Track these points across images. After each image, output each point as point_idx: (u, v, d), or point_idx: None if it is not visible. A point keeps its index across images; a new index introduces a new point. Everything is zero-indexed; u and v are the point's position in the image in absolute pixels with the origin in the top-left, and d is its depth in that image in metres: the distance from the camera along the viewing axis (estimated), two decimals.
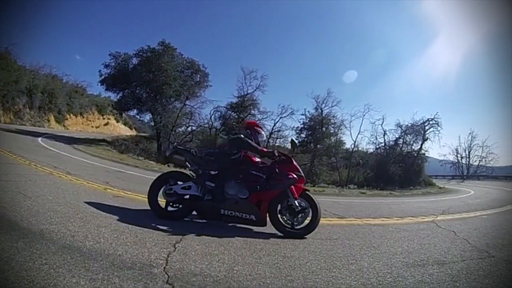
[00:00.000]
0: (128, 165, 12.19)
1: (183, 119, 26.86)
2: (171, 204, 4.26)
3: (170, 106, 25.68)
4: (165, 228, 3.60)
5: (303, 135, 27.58)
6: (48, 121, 33.11)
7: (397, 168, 26.20)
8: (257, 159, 4.54)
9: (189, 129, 27.35)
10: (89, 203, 4.32)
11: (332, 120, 27.82)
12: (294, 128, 27.56)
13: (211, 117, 26.48)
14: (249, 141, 4.44)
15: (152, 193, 4.25)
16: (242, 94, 26.29)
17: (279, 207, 4.27)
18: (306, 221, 4.27)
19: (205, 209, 4.20)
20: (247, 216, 4.13)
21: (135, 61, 24.99)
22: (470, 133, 44.58)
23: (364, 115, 27.66)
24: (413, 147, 28.81)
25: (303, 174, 4.47)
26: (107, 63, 24.98)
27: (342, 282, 2.60)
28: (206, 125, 26.74)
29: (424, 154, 28.85)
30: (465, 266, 3.38)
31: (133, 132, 45.03)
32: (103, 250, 2.62)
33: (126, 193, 5.62)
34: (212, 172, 4.33)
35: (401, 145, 28.83)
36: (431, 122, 27.75)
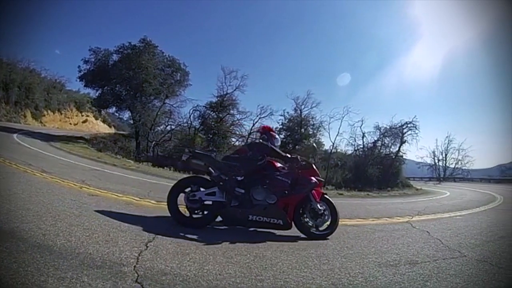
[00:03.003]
0: (106, 163, 11.92)
1: (162, 118, 26.68)
2: (190, 210, 4.19)
3: (149, 105, 25.46)
4: (138, 227, 3.56)
5: (281, 136, 27.52)
6: (25, 117, 32.25)
7: (375, 170, 26.60)
8: (279, 164, 4.57)
9: (168, 128, 27.19)
10: (62, 202, 4.25)
11: (311, 122, 28.22)
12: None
13: (190, 116, 26.37)
14: (273, 147, 4.52)
15: (172, 199, 4.15)
16: (222, 93, 26.26)
17: (300, 211, 4.37)
18: (327, 223, 4.42)
19: (232, 216, 4.17)
20: (275, 221, 4.17)
21: (115, 57, 24.74)
22: (447, 137, 45.81)
23: (343, 117, 28.00)
24: (391, 149, 29.37)
25: (322, 179, 4.61)
26: (86, 59, 24.67)
27: (312, 282, 2.62)
28: (185, 124, 26.59)
29: (402, 156, 29.42)
30: (437, 265, 3.45)
31: (112, 130, 44.50)
32: (74, 248, 2.59)
33: (101, 192, 5.53)
34: (239, 178, 4.30)
35: (379, 147, 29.33)
36: (409, 125, 28.36)
